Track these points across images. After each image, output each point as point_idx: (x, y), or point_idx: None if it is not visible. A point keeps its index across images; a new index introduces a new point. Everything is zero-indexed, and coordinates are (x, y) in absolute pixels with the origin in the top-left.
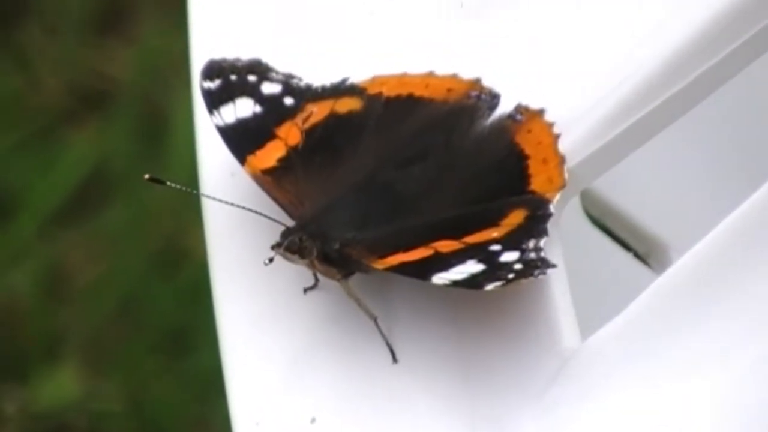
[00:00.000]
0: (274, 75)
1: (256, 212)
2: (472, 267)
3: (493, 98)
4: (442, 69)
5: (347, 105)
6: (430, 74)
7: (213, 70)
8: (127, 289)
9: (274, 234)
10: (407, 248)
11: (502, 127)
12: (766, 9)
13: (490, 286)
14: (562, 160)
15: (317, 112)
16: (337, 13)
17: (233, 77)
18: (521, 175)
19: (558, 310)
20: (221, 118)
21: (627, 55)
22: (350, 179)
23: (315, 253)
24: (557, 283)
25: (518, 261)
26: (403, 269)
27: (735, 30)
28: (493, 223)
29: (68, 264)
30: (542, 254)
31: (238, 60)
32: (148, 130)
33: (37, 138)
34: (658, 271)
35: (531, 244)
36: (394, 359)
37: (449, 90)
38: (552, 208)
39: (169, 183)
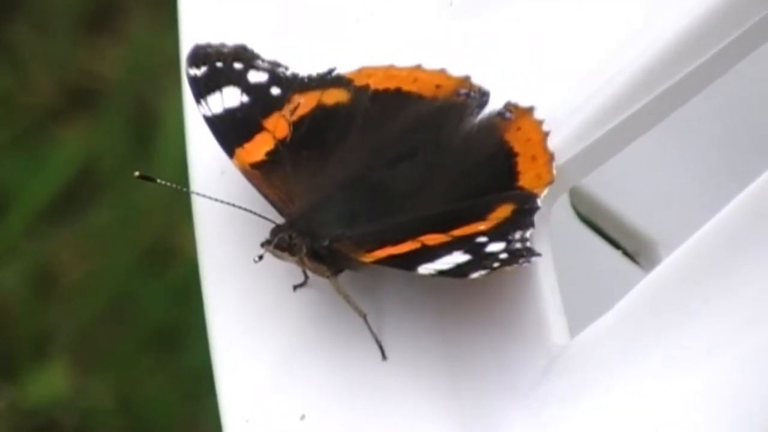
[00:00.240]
0: (260, 63)
1: (245, 210)
2: (458, 257)
3: (483, 96)
4: (432, 65)
5: (334, 97)
6: (418, 68)
7: (198, 56)
8: (117, 287)
9: (264, 231)
10: (395, 243)
11: (491, 125)
12: (753, 8)
13: (475, 275)
14: (551, 157)
15: (304, 103)
16: (331, 13)
17: (219, 64)
18: (510, 172)
19: (547, 308)
20: (209, 107)
21: (615, 54)
22: (339, 176)
23: (304, 250)
24: (546, 281)
25: (504, 251)
26: (390, 261)
27: (723, 29)
28: (481, 217)
29: (58, 262)
30: (528, 244)
31: (223, 45)
32: (138, 128)
33: (26, 136)
34: (647, 268)
35: (517, 235)
36: (384, 356)
37: (438, 86)
38: (539, 201)
39: (159, 181)
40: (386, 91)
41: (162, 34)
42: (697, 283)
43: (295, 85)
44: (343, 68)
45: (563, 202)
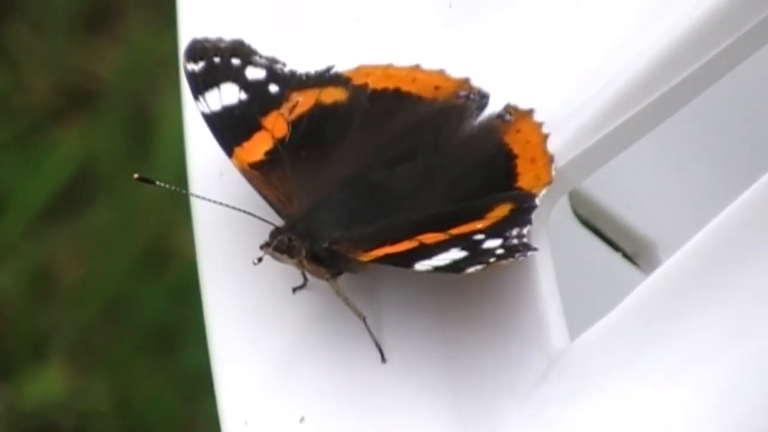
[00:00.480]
0: (257, 59)
1: (244, 212)
2: (455, 254)
3: (482, 98)
4: (431, 66)
5: (332, 95)
6: (417, 68)
7: (196, 50)
8: (115, 288)
9: (263, 234)
10: (393, 242)
11: (491, 127)
12: (753, 10)
13: (471, 269)
14: (550, 159)
15: (302, 102)
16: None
17: (217, 59)
18: (509, 174)
19: (547, 310)
20: (207, 104)
21: (615, 55)
22: (338, 177)
23: (304, 252)
24: (546, 283)
25: (500, 247)
26: (387, 260)
27: (723, 31)
28: (479, 216)
29: (55, 262)
30: (525, 240)
31: (221, 40)
32: (136, 129)
33: (24, 137)
34: (647, 271)
35: (515, 232)
36: (383, 359)
37: (437, 88)
38: (537, 200)
39: (158, 183)
40: (385, 90)
41: (160, 34)
42: (697, 286)
43: (293, 82)
44: (343, 68)
45: (563, 204)
